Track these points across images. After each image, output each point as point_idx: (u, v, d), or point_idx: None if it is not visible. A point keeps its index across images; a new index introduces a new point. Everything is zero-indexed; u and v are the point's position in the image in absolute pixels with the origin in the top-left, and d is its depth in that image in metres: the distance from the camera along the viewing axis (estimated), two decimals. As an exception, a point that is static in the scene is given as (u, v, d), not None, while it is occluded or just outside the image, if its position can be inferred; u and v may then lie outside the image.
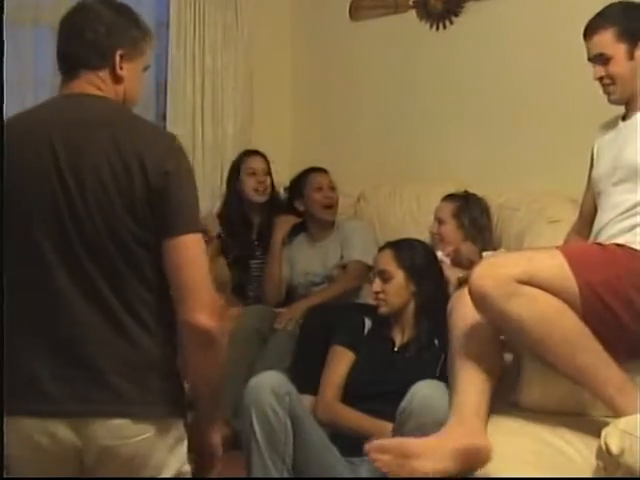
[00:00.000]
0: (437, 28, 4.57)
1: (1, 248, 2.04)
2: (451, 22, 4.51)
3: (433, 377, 2.91)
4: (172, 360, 2.09)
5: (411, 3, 4.68)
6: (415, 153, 4.68)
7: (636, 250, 2.64)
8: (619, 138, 2.90)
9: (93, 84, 2.10)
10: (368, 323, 3.38)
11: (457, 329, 2.74)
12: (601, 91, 2.93)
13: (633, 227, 2.72)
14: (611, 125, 3.00)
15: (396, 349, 3.28)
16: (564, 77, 3.83)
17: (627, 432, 1.87)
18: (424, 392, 2.81)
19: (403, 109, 4.74)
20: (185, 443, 2.14)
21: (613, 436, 1.88)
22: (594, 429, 2.37)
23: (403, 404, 2.82)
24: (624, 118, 2.93)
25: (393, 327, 3.32)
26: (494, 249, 3.75)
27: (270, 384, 2.88)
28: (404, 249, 3.33)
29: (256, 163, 4.50)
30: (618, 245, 2.68)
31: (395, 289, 3.26)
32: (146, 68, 2.22)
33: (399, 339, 3.30)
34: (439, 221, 3.94)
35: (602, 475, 1.91)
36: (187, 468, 2.16)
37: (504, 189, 4.00)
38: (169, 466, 2.09)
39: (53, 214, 1.99)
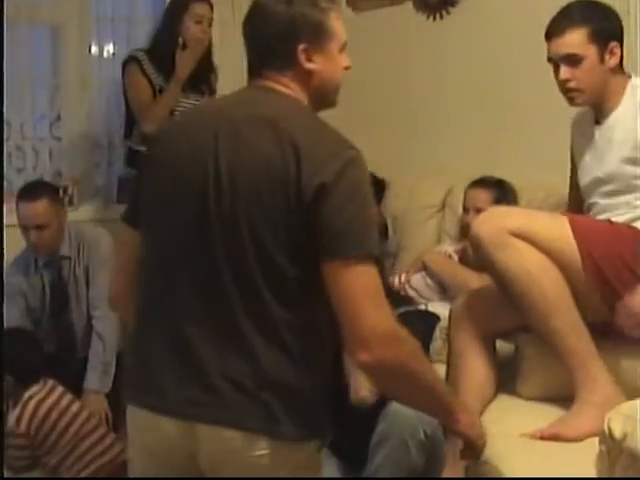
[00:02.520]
0: (434, 19, 4.57)
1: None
2: (448, 12, 4.51)
3: None
4: (312, 383, 1.89)
5: (408, -6, 4.69)
6: (412, 145, 4.67)
7: None
8: (598, 146, 2.79)
9: (279, 82, 1.98)
10: None
11: (460, 345, 2.82)
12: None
13: (634, 219, 2.69)
14: (584, 123, 2.88)
15: None
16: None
17: (630, 416, 1.88)
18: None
19: (399, 99, 4.74)
20: (316, 468, 1.99)
21: (616, 421, 1.89)
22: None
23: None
24: (597, 121, 2.81)
25: None
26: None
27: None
28: None
29: (204, 10, 4.23)
30: (629, 227, 2.66)
31: None
32: (343, 47, 2.05)
33: None
34: (478, 210, 3.70)
35: (605, 460, 1.92)
36: None
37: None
38: None
39: (200, 206, 1.87)
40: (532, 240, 2.52)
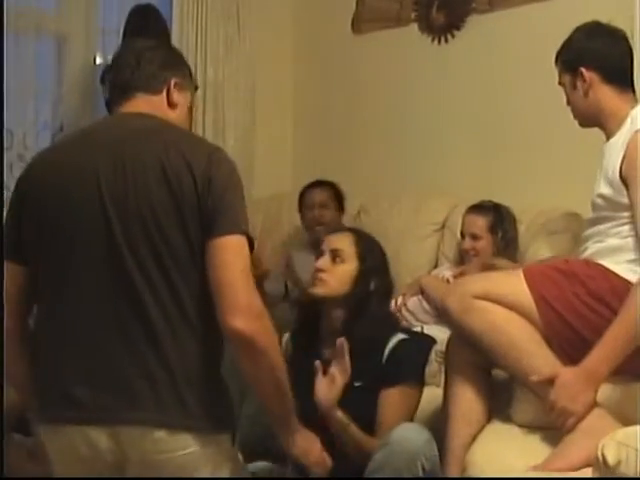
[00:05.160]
0: (439, 42, 4.58)
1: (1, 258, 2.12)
2: (453, 36, 4.53)
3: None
4: (214, 373, 2.07)
5: (413, 17, 4.70)
6: (415, 166, 4.68)
7: (602, 268, 2.66)
8: (600, 166, 2.85)
9: (149, 104, 2.21)
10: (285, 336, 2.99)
11: (452, 372, 2.87)
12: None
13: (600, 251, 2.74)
14: None
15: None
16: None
17: (624, 444, 1.87)
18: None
19: (403, 122, 4.75)
20: (236, 459, 2.13)
21: (610, 447, 1.89)
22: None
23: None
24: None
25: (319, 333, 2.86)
26: (516, 261, 3.72)
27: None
28: (366, 240, 2.94)
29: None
30: (586, 261, 2.73)
31: (341, 275, 2.82)
32: (190, 108, 2.35)
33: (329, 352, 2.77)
34: (473, 237, 3.83)
35: None
36: None
37: (503, 202, 3.98)
38: None
39: (101, 219, 2.02)
40: (494, 299, 2.64)
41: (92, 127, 2.27)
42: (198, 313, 2.02)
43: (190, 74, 2.35)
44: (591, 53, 2.83)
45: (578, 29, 2.90)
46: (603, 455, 1.88)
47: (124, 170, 2.02)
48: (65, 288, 2.06)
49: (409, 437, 2.53)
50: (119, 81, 2.25)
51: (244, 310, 1.96)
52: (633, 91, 2.87)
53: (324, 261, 2.84)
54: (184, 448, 1.98)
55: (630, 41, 3.55)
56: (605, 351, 2.48)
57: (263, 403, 2.16)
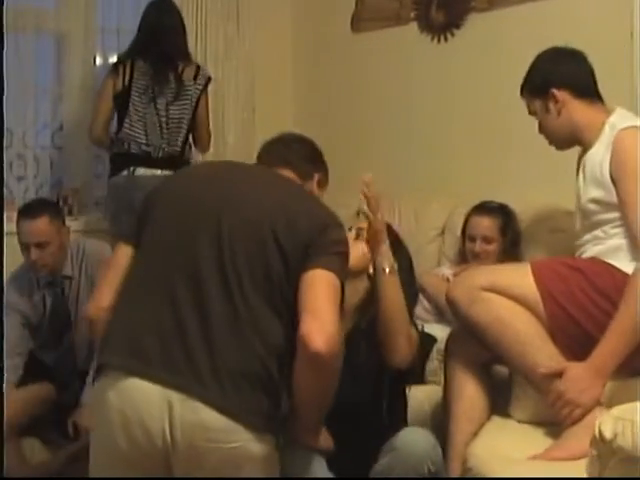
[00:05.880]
0: (438, 40, 4.59)
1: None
2: (452, 34, 4.54)
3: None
4: (277, 378, 2.16)
5: (412, 15, 4.70)
6: (415, 165, 4.68)
7: (608, 265, 2.69)
8: (581, 177, 2.91)
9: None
10: None
11: (453, 370, 2.90)
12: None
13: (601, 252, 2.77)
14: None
15: None
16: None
17: (621, 417, 1.89)
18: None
19: (403, 121, 4.75)
20: (275, 461, 2.20)
21: (607, 423, 1.90)
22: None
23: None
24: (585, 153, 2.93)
25: None
26: (520, 259, 3.71)
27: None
28: (395, 237, 2.97)
29: None
30: (592, 258, 2.76)
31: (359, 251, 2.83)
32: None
33: None
34: (486, 240, 3.81)
35: (596, 463, 1.93)
36: None
37: (503, 201, 3.97)
38: None
39: (216, 227, 2.20)
40: (500, 291, 2.68)
41: (242, 163, 2.61)
42: (279, 327, 2.16)
43: (327, 173, 2.64)
44: (559, 74, 2.91)
45: (539, 56, 3.00)
46: (600, 430, 1.90)
47: (249, 200, 2.25)
48: (165, 279, 2.19)
49: (416, 441, 2.57)
50: (271, 157, 2.56)
51: (332, 336, 2.10)
52: (602, 102, 2.93)
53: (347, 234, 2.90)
54: (233, 441, 2.06)
55: (630, 41, 3.61)
56: (610, 346, 2.52)
57: (305, 408, 2.28)
